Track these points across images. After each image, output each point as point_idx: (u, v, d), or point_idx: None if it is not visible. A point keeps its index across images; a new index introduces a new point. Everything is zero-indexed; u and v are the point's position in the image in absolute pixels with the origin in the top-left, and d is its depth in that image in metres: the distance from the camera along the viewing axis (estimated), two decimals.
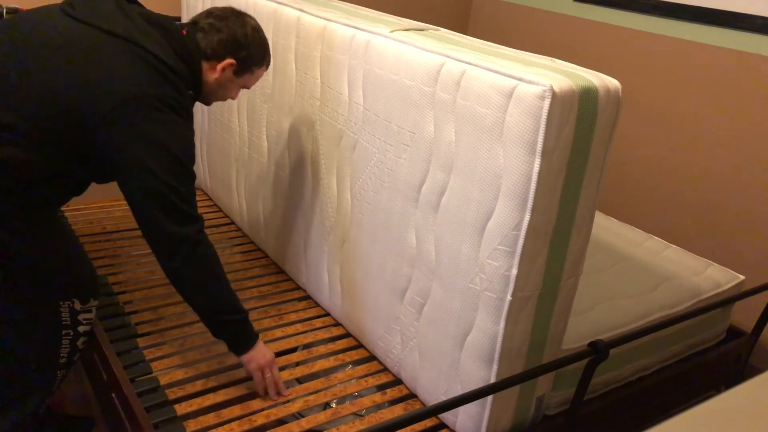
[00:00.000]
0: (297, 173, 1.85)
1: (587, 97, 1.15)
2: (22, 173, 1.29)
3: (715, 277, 1.92)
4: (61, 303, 1.45)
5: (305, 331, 1.79)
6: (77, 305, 1.48)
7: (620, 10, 2.47)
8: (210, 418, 1.43)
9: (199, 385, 1.53)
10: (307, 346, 1.74)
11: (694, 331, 1.83)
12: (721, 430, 0.71)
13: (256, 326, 1.77)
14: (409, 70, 1.37)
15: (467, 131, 1.25)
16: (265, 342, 1.71)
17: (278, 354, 1.69)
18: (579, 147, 1.18)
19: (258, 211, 2.11)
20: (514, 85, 1.14)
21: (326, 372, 1.64)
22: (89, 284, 1.52)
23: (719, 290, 1.86)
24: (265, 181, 2.03)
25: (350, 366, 1.68)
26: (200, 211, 2.41)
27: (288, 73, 1.81)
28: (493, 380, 1.30)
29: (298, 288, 1.99)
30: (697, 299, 1.80)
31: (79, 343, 1.53)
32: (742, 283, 1.94)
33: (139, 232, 2.20)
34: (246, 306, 1.87)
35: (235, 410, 1.46)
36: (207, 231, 2.26)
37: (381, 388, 1.61)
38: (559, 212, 1.22)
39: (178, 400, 1.47)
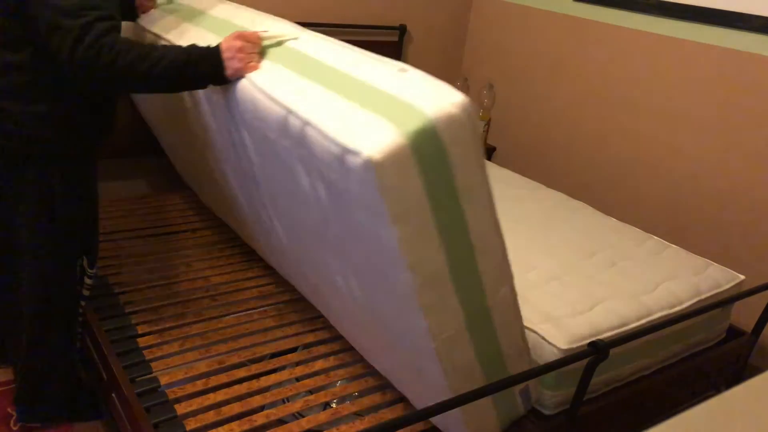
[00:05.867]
0: None
1: (423, 140, 0.97)
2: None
3: (715, 277, 1.91)
4: (77, 258, 1.57)
5: (305, 331, 1.79)
6: (86, 264, 1.60)
7: (620, 10, 2.47)
8: (210, 417, 1.43)
9: (199, 385, 1.53)
10: (307, 346, 1.74)
11: (694, 331, 1.83)
12: (721, 430, 0.71)
13: (256, 326, 1.78)
14: (263, 121, 1.21)
15: (333, 195, 1.11)
16: (265, 342, 1.72)
17: (278, 354, 1.69)
18: (439, 189, 1.03)
19: None
20: (342, 153, 0.99)
21: (326, 371, 1.64)
22: (97, 247, 1.65)
23: (719, 290, 1.86)
24: None
25: (350, 365, 1.68)
26: (200, 210, 2.43)
27: None
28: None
29: None
30: (697, 299, 1.80)
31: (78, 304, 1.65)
32: (742, 283, 1.93)
33: (139, 233, 2.21)
34: (246, 306, 1.89)
35: (235, 409, 1.46)
36: (207, 231, 2.30)
37: (381, 388, 1.61)
38: (448, 254, 1.09)
39: (178, 400, 1.47)
